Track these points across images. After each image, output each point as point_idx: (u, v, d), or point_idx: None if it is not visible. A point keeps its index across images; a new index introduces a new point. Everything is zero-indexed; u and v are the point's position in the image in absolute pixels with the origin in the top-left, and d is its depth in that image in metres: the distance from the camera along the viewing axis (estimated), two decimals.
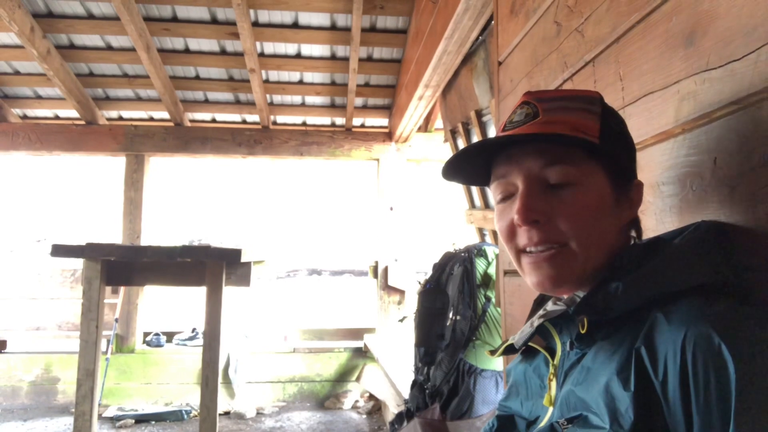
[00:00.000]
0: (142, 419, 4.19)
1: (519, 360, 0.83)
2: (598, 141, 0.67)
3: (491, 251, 2.46)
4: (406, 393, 2.77)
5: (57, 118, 5.11)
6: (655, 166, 0.87)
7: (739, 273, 0.64)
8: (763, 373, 0.49)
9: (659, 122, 0.86)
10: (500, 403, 0.85)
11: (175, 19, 4.10)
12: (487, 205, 3.56)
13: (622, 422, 0.55)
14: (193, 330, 4.98)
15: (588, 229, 0.66)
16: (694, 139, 0.78)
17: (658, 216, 0.86)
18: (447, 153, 4.38)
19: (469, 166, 0.76)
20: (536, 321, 0.73)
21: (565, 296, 0.75)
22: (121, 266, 2.85)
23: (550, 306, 0.77)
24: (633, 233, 0.75)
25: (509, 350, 0.80)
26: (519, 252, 0.71)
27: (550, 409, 0.70)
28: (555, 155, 0.67)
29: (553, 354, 0.73)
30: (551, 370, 0.72)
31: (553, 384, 0.71)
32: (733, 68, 0.71)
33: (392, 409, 3.59)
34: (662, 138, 0.85)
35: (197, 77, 4.69)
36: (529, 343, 0.76)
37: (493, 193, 0.75)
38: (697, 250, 0.63)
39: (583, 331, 0.63)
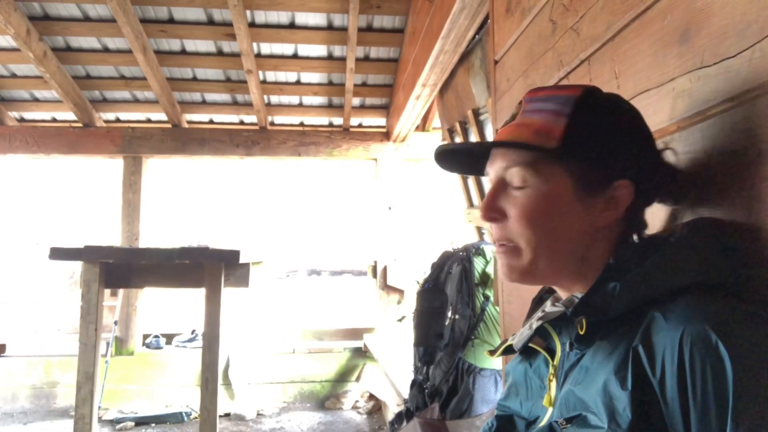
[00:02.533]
0: (142, 422, 4.19)
1: (518, 360, 0.83)
2: (558, 144, 0.66)
3: (489, 250, 2.46)
4: (405, 392, 2.77)
5: (54, 120, 5.10)
6: None
7: (735, 270, 0.64)
8: (760, 370, 0.50)
9: (655, 120, 0.86)
10: (499, 403, 0.85)
11: (171, 20, 4.09)
12: None
13: (620, 421, 0.55)
14: (193, 332, 4.97)
15: (534, 231, 0.68)
16: (689, 136, 0.78)
17: (654, 214, 0.86)
18: None
19: (468, 159, 0.80)
20: (535, 323, 0.73)
21: (564, 296, 0.75)
22: (119, 268, 2.85)
23: (548, 307, 0.77)
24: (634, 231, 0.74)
25: (508, 351, 0.80)
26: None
27: (550, 409, 0.70)
28: (514, 158, 0.70)
29: (552, 354, 0.73)
30: (551, 370, 0.72)
31: (553, 384, 0.71)
32: (728, 65, 0.71)
33: (392, 408, 3.59)
34: (658, 136, 0.85)
35: (194, 78, 4.68)
36: (529, 344, 0.76)
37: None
38: (694, 248, 0.63)
39: (582, 333, 0.63)
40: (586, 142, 0.68)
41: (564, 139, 0.66)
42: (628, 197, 0.68)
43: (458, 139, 3.73)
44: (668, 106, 0.83)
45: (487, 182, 0.76)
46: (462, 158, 0.82)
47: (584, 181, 0.68)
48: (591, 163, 0.68)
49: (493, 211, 0.72)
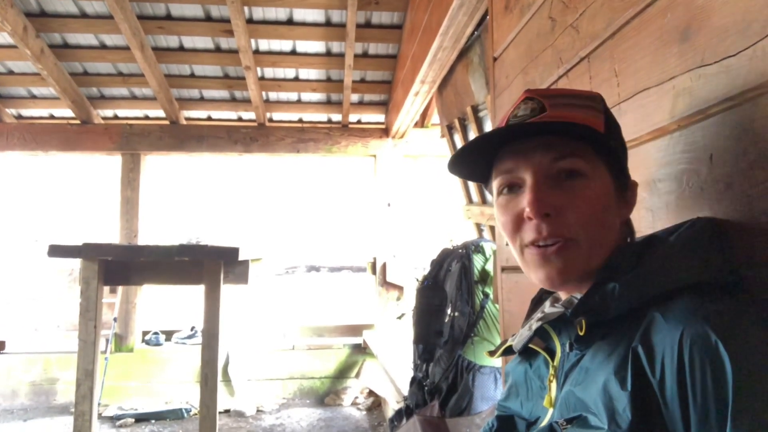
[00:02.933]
0: (141, 418, 4.19)
1: (518, 360, 0.83)
2: (606, 136, 0.68)
3: (489, 247, 2.46)
4: (405, 389, 2.78)
5: (52, 117, 5.09)
6: (651, 163, 0.86)
7: (735, 270, 0.64)
8: (760, 370, 0.49)
9: (655, 119, 0.85)
10: (500, 404, 0.85)
11: (169, 17, 4.08)
12: (484, 201, 3.55)
13: (620, 422, 0.55)
14: (192, 328, 4.98)
15: (596, 223, 0.66)
16: (689, 135, 0.78)
17: (653, 213, 0.86)
18: (444, 148, 4.37)
19: (472, 161, 0.75)
20: (534, 324, 0.73)
21: (563, 297, 0.75)
22: (118, 266, 2.85)
23: (547, 308, 0.77)
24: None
25: (508, 351, 0.80)
26: (524, 246, 0.70)
27: (550, 410, 0.70)
28: (564, 148, 0.66)
29: (552, 355, 0.73)
30: (551, 371, 0.72)
31: (553, 385, 0.71)
32: (729, 64, 0.71)
33: (392, 405, 3.60)
34: (658, 134, 0.85)
35: (192, 75, 4.67)
36: (529, 345, 0.75)
37: (494, 187, 0.74)
38: (693, 247, 0.63)
39: (581, 333, 0.63)
40: (617, 140, 0.71)
41: (606, 131, 0.68)
42: (636, 197, 0.72)
43: (457, 136, 3.72)
44: (668, 105, 0.82)
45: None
46: (471, 160, 0.75)
47: (618, 177, 0.70)
48: (621, 161, 0.71)
49: (546, 205, 0.65)
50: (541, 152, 0.67)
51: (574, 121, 0.66)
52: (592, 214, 0.65)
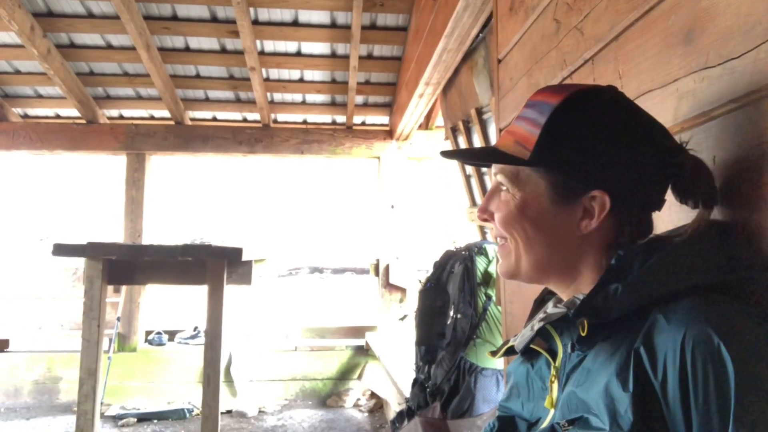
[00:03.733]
0: (144, 418, 4.20)
1: (520, 361, 0.83)
2: (531, 155, 0.68)
3: (492, 249, 2.46)
4: (407, 391, 2.77)
5: (58, 117, 5.12)
6: None
7: (738, 273, 0.63)
8: (762, 373, 0.49)
9: (658, 120, 0.85)
10: (501, 404, 0.85)
11: (175, 17, 4.10)
12: None
13: (622, 423, 0.55)
14: (195, 328, 4.98)
15: (512, 233, 0.73)
16: (693, 137, 0.78)
17: (657, 215, 0.86)
18: None
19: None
20: (536, 324, 0.73)
21: (565, 298, 0.75)
22: (122, 265, 2.86)
23: (550, 308, 0.77)
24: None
25: (510, 352, 0.80)
26: None
27: (552, 410, 0.70)
28: (500, 165, 0.75)
29: (554, 356, 0.73)
30: (553, 372, 0.72)
31: (555, 386, 0.71)
32: (732, 66, 0.70)
33: (394, 407, 3.59)
34: None
35: (198, 76, 4.68)
36: (531, 345, 0.76)
37: None
38: (696, 249, 0.63)
39: (583, 334, 0.63)
40: (559, 153, 0.68)
41: (534, 150, 0.68)
42: (602, 208, 0.67)
43: (461, 138, 3.72)
44: (672, 107, 0.82)
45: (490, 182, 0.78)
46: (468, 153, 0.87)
47: (557, 190, 0.70)
48: (563, 173, 0.69)
49: (483, 212, 0.78)
50: (494, 165, 0.76)
51: (507, 142, 0.73)
52: (507, 223, 0.73)
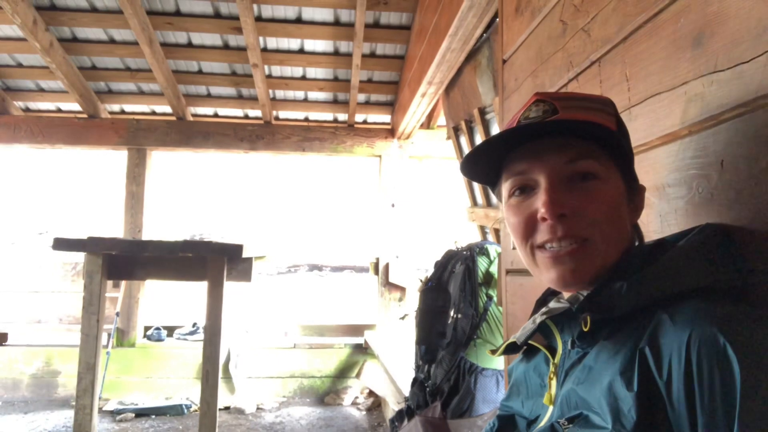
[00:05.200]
0: (142, 413, 4.20)
1: (520, 359, 0.84)
2: (616, 132, 0.69)
3: (493, 249, 2.46)
4: (406, 390, 2.77)
5: (59, 111, 5.11)
6: (661, 168, 0.86)
7: (744, 275, 0.64)
8: (767, 373, 0.49)
9: (666, 123, 0.85)
10: (501, 403, 0.85)
11: (178, 13, 4.09)
12: (489, 203, 3.55)
13: (625, 422, 0.55)
14: (194, 325, 4.98)
15: (609, 224, 0.66)
16: (700, 141, 0.78)
17: (662, 218, 0.86)
18: (450, 150, 4.37)
19: (482, 162, 0.75)
20: (539, 318, 0.73)
21: (567, 295, 0.75)
22: (122, 260, 2.86)
23: (552, 304, 0.77)
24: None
25: (510, 349, 0.80)
26: (535, 248, 0.70)
27: (550, 408, 0.70)
28: (579, 150, 0.67)
29: (553, 353, 0.73)
30: (551, 368, 0.72)
31: (554, 383, 0.71)
32: (742, 70, 0.70)
33: (392, 405, 3.59)
34: (668, 139, 0.85)
35: (200, 72, 4.68)
36: (530, 342, 0.76)
37: (504, 189, 0.74)
38: (701, 252, 0.63)
39: (585, 329, 0.63)
40: (628, 144, 0.72)
41: (618, 129, 0.69)
42: (644, 201, 0.72)
43: (463, 138, 3.72)
44: (680, 110, 0.82)
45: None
46: (483, 162, 0.75)
47: (628, 181, 0.70)
48: (630, 164, 0.72)
49: (562, 206, 0.66)
50: (555, 154, 0.67)
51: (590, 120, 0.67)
52: (606, 215, 0.66)
